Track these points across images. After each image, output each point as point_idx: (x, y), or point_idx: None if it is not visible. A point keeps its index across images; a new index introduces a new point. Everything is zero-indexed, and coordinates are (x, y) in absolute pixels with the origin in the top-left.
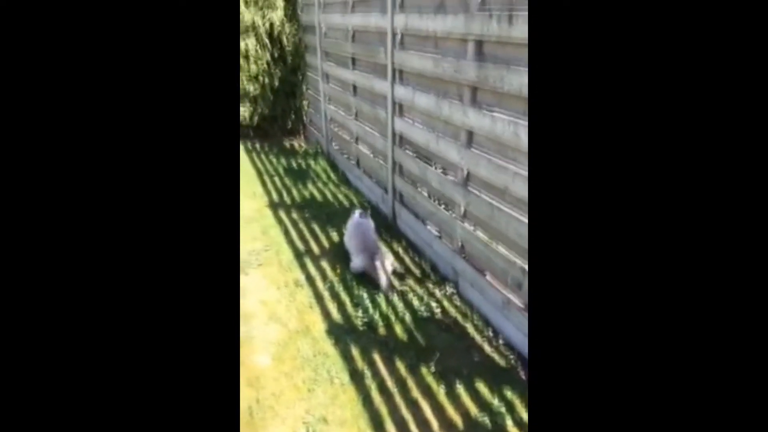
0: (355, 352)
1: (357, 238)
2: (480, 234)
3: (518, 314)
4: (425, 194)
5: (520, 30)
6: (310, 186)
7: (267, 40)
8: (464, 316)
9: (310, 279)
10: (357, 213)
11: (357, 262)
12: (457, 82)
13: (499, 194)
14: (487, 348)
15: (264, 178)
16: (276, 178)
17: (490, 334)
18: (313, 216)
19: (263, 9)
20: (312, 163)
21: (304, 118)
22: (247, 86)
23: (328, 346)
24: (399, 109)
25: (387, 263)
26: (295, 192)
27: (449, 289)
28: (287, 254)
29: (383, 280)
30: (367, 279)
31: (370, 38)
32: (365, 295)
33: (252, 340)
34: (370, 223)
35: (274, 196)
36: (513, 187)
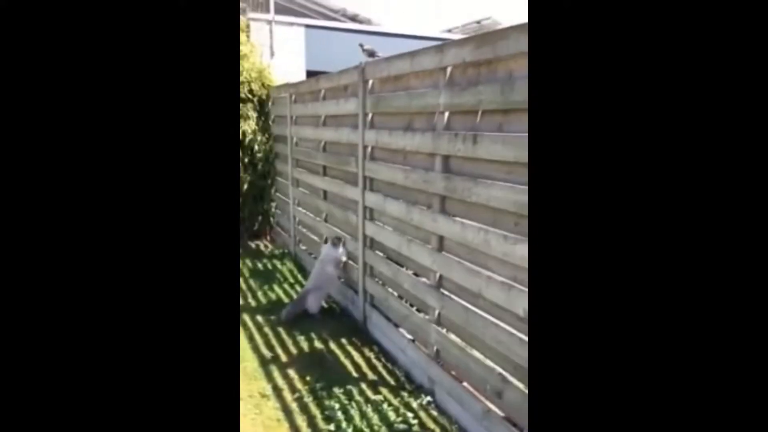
0: None
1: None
2: (455, 338)
3: (499, 425)
4: (397, 296)
5: (485, 149)
6: (276, 288)
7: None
8: (443, 429)
9: (277, 390)
10: (329, 242)
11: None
12: (427, 192)
13: (473, 298)
14: None
15: None
16: (240, 280)
17: None
18: (280, 320)
19: None
20: (278, 264)
21: (271, 220)
22: None
23: None
24: (370, 213)
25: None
26: (260, 294)
27: (426, 399)
28: (252, 362)
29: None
30: (338, 382)
31: (341, 150)
32: (337, 406)
33: None
34: (334, 255)
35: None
36: (487, 292)
